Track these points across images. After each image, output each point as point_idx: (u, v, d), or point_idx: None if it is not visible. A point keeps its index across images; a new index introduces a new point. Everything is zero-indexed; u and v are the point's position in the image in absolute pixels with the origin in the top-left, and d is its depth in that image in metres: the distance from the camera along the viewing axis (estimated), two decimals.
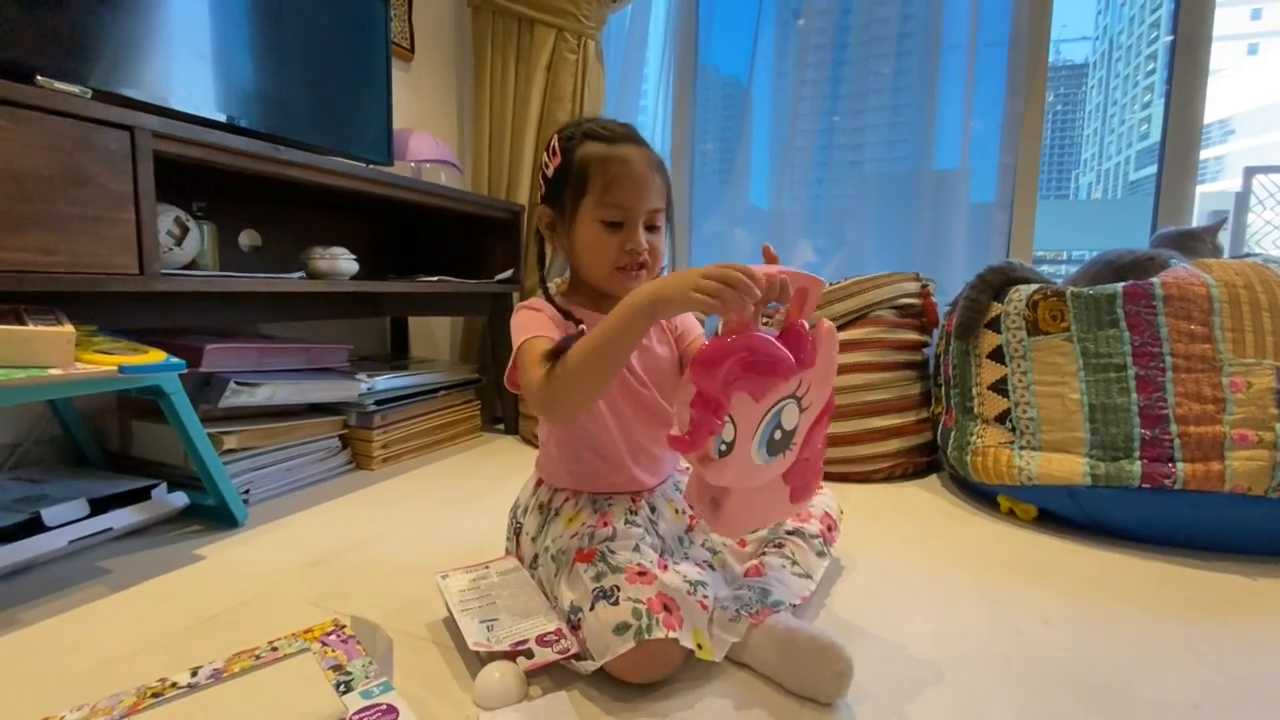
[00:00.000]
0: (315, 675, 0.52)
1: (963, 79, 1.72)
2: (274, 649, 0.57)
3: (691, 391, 0.57)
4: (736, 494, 0.64)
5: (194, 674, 0.53)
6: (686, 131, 2.05)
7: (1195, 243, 1.30)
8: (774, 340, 0.59)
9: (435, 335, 2.14)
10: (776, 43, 1.93)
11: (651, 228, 0.77)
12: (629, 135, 0.76)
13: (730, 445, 0.61)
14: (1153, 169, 1.70)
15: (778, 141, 1.95)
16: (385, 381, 1.43)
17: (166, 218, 0.98)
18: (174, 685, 0.51)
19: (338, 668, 0.54)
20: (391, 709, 0.50)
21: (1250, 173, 2.29)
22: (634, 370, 0.81)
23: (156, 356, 0.90)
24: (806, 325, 0.62)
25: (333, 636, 0.59)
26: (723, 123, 2.08)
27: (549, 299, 0.79)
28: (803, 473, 0.67)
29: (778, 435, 0.63)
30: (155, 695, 0.50)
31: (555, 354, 0.66)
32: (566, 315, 0.76)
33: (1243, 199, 2.27)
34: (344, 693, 0.51)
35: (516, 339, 0.74)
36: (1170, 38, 1.63)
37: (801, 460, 0.66)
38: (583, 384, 0.65)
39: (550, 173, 0.78)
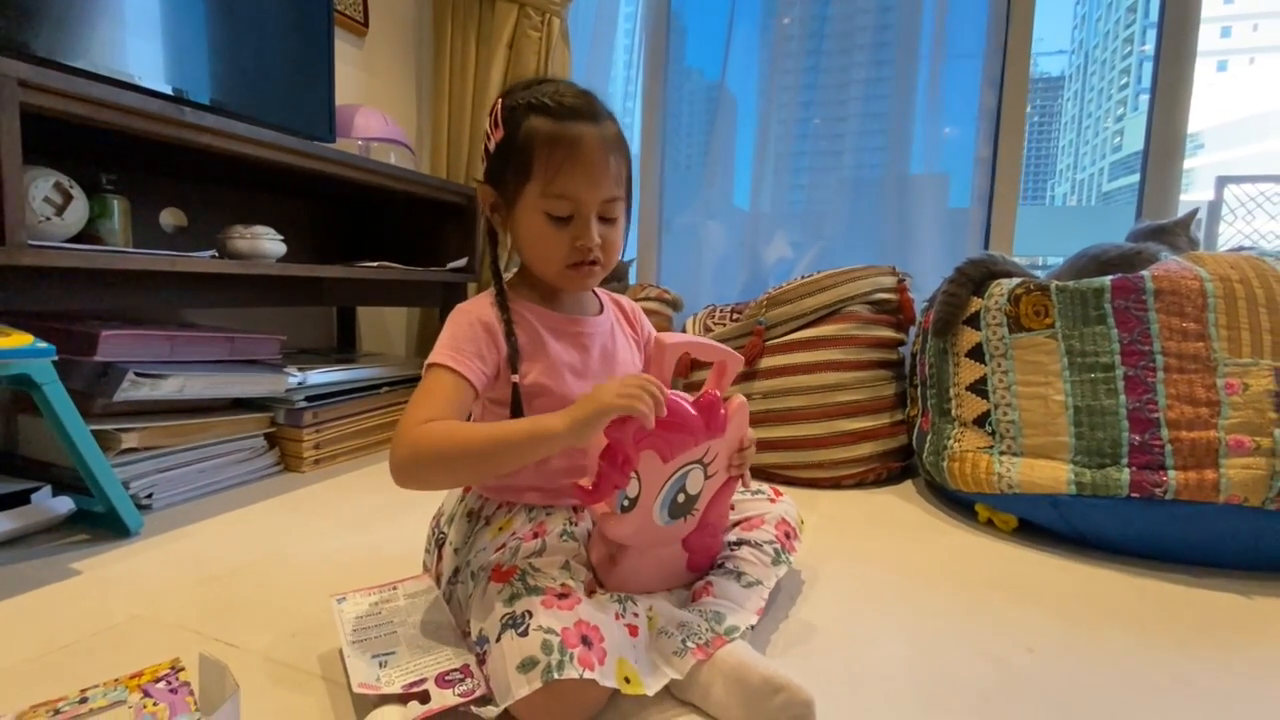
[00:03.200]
0: None
1: (942, 85, 1.67)
2: (83, 700, 0.45)
3: (603, 443, 0.58)
4: (633, 553, 0.65)
5: None
6: (657, 121, 1.95)
7: (1170, 236, 1.23)
8: (689, 406, 0.62)
9: (389, 327, 2.01)
10: (753, 42, 1.84)
11: (606, 219, 0.67)
12: (583, 109, 0.64)
13: (633, 501, 0.63)
14: (1126, 180, 1.66)
15: (756, 141, 1.86)
16: (319, 375, 1.31)
17: (44, 183, 0.86)
18: None
19: None
20: None
21: (1222, 182, 2.26)
22: (601, 369, 0.72)
23: (20, 340, 0.78)
24: (720, 395, 0.65)
25: (162, 684, 0.48)
26: (703, 116, 1.98)
27: (500, 292, 0.69)
28: (701, 540, 0.69)
29: (680, 499, 0.65)
30: None
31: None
32: (509, 332, 0.66)
33: (1215, 208, 2.24)
34: None
35: (436, 347, 0.65)
36: (1145, 48, 1.58)
37: (702, 526, 0.69)
38: (452, 473, 0.61)
39: (492, 147, 0.67)
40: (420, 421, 0.58)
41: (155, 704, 0.45)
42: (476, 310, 0.68)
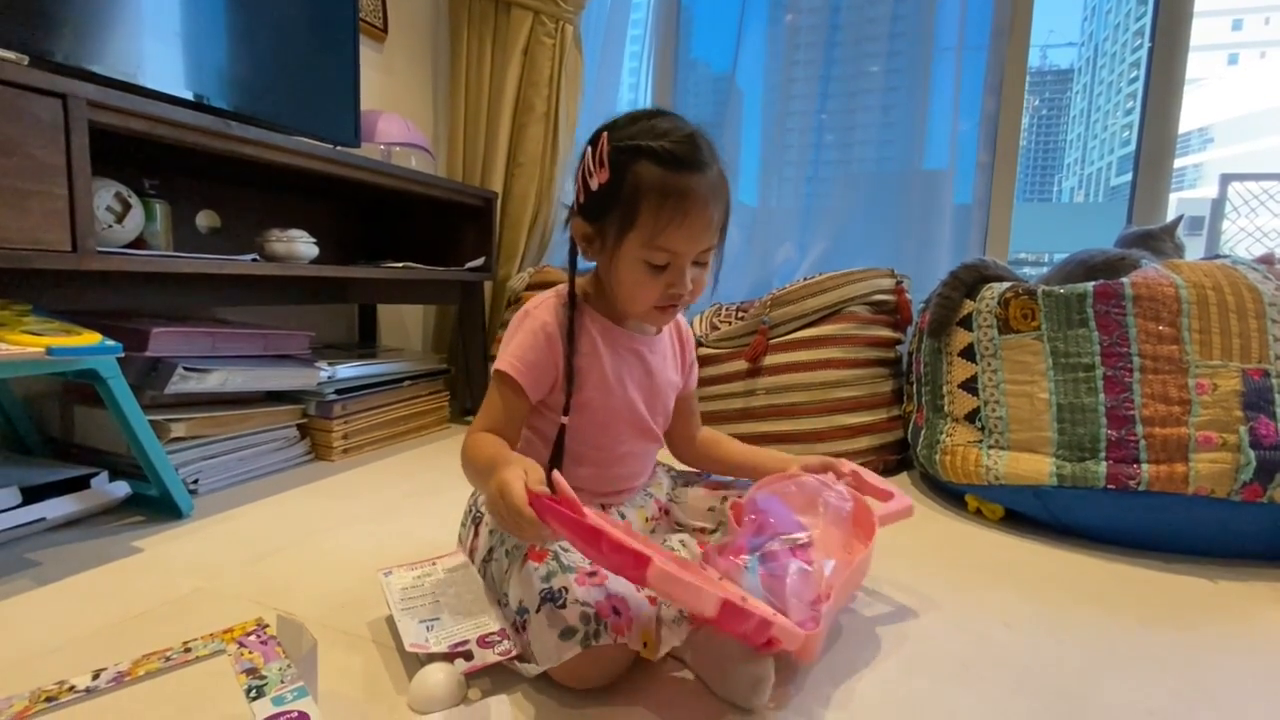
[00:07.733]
0: (227, 679, 0.49)
1: (948, 80, 1.71)
2: (187, 650, 0.53)
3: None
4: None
5: (95, 676, 0.49)
6: None
7: (1156, 242, 1.30)
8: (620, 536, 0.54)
9: (406, 324, 2.09)
10: (762, 38, 1.89)
11: (699, 263, 0.69)
12: (692, 157, 0.63)
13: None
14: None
15: (766, 138, 1.92)
16: (347, 370, 1.39)
17: (106, 193, 0.93)
18: (71, 689, 0.48)
19: (252, 671, 0.51)
20: (303, 716, 0.47)
21: (1226, 180, 2.30)
22: (646, 388, 0.78)
23: (90, 338, 0.85)
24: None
25: (252, 637, 0.55)
26: (711, 110, 2.03)
27: (572, 302, 0.73)
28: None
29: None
30: (49, 699, 0.46)
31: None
32: (571, 338, 0.71)
33: (1219, 206, 2.28)
34: (255, 698, 0.48)
35: (503, 352, 0.72)
36: (1151, 44, 1.63)
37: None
38: (473, 478, 0.70)
39: (594, 185, 0.66)
40: (476, 431, 0.70)
41: (250, 653, 0.53)
42: (543, 317, 0.72)
